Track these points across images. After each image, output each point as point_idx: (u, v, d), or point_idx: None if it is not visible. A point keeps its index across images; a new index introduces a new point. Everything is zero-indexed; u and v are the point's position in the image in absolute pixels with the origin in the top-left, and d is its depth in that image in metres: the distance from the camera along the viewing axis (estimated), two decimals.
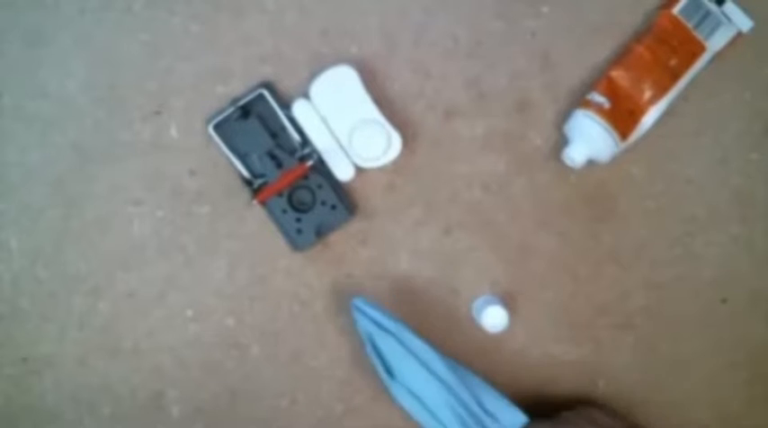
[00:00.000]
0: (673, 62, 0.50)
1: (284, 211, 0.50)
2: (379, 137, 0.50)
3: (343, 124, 0.50)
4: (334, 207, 0.50)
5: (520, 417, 0.49)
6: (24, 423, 0.51)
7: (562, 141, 0.52)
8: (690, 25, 0.50)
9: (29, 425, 0.50)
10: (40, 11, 0.51)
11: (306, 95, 0.50)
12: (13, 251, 0.51)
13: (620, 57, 0.51)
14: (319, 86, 0.50)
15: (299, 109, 0.50)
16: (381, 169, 0.51)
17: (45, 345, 0.51)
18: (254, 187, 0.50)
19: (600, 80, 0.51)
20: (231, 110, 0.50)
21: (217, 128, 0.50)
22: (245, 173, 0.50)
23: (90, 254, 0.51)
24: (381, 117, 0.50)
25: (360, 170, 0.51)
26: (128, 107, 0.51)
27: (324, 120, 0.50)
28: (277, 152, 0.50)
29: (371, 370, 0.51)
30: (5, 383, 0.51)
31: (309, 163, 0.50)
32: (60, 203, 0.51)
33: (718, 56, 0.51)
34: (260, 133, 0.50)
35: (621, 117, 0.50)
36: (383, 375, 0.48)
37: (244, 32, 0.51)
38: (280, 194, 0.50)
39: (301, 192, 0.51)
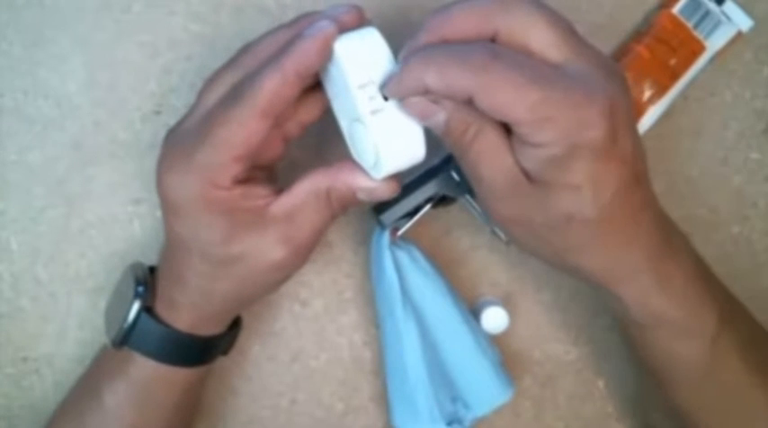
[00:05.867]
0: (672, 62, 0.50)
1: None
2: (365, 143, 0.39)
3: (340, 113, 0.41)
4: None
5: (496, 398, 0.49)
6: (24, 422, 0.51)
7: None
8: (689, 25, 0.50)
9: (29, 425, 0.50)
10: (39, 11, 0.51)
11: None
12: (13, 251, 0.51)
13: (620, 57, 0.51)
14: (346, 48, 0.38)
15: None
16: None
17: (45, 345, 0.51)
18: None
19: None
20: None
21: None
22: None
23: (90, 254, 0.51)
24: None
25: None
26: (128, 107, 0.51)
27: (328, 104, 0.42)
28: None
29: (371, 365, 0.51)
30: (5, 383, 0.51)
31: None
32: (60, 203, 0.51)
33: (718, 55, 0.51)
34: None
35: None
36: (395, 290, 0.47)
37: (244, 32, 0.51)
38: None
39: None
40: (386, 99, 0.37)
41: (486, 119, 0.36)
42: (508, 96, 0.34)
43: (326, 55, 0.37)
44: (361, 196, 0.41)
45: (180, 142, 0.40)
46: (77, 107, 0.51)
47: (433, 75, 0.35)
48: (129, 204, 0.52)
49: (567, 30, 0.36)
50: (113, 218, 0.51)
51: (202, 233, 0.40)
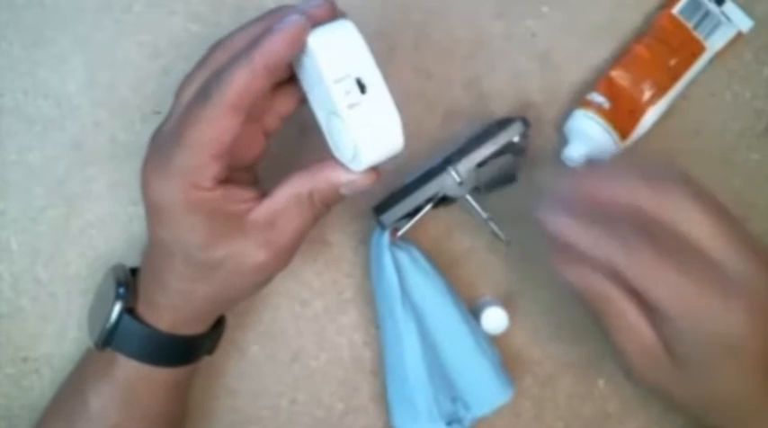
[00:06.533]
0: (672, 62, 0.50)
1: None
2: (343, 137, 0.38)
3: (318, 107, 0.41)
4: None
5: (496, 398, 0.49)
6: (24, 422, 0.51)
7: (562, 141, 0.52)
8: (689, 25, 0.50)
9: (28, 425, 0.50)
10: (39, 11, 0.51)
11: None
12: (13, 251, 0.51)
13: (620, 57, 0.51)
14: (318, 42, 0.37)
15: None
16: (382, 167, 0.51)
17: (45, 345, 0.51)
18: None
19: (600, 80, 0.51)
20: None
21: None
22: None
23: (90, 254, 0.51)
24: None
25: None
26: (128, 107, 0.51)
27: (305, 96, 0.42)
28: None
29: (371, 361, 0.51)
30: (5, 383, 0.51)
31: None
32: (60, 203, 0.51)
33: (718, 56, 0.51)
34: None
35: (621, 117, 0.50)
36: (395, 290, 0.47)
37: None
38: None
39: None
40: (362, 91, 0.37)
41: (623, 292, 0.36)
42: (654, 281, 0.34)
43: (297, 48, 0.37)
44: (345, 191, 0.41)
45: (160, 145, 0.40)
46: (77, 107, 0.51)
47: (585, 239, 0.35)
48: (129, 204, 0.52)
49: (722, 219, 0.35)
50: (113, 218, 0.51)
51: (185, 236, 0.40)
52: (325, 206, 0.42)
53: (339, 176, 0.40)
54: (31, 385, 0.51)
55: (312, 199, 0.41)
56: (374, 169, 0.40)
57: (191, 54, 0.51)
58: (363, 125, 0.37)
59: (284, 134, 0.51)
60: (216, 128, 0.37)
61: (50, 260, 0.51)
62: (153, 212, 0.40)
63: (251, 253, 0.40)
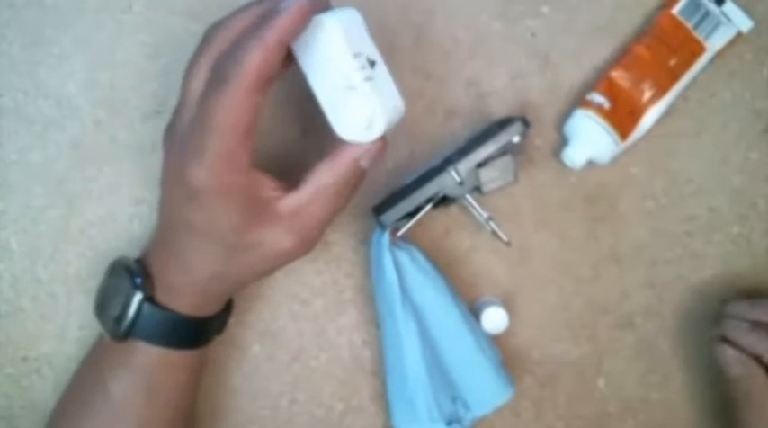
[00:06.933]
0: (672, 62, 0.50)
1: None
2: (359, 108, 0.41)
3: (324, 87, 0.41)
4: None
5: (496, 398, 0.49)
6: (24, 422, 0.51)
7: (562, 141, 0.52)
8: (689, 25, 0.50)
9: (29, 425, 0.50)
10: (39, 11, 0.51)
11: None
12: (13, 251, 0.51)
13: (620, 57, 0.51)
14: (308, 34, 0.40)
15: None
16: (382, 167, 0.51)
17: (45, 345, 0.51)
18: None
19: (600, 80, 0.51)
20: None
21: None
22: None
23: (90, 254, 0.51)
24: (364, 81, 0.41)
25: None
26: (128, 107, 0.51)
27: (305, 79, 0.42)
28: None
29: (370, 359, 0.51)
30: (5, 383, 0.51)
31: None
32: (60, 203, 0.51)
33: (718, 56, 0.51)
34: None
35: (621, 117, 0.50)
36: (395, 290, 0.47)
37: None
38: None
39: None
40: (372, 65, 0.41)
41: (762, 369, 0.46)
42: None
43: (303, 26, 0.39)
44: (364, 163, 0.43)
45: (185, 134, 0.40)
46: (77, 107, 0.51)
47: (748, 339, 0.47)
48: (130, 204, 0.52)
49: None
50: (113, 218, 0.51)
51: (220, 219, 0.41)
52: (351, 189, 0.43)
53: (355, 150, 0.42)
54: (32, 384, 0.51)
55: (337, 187, 0.42)
56: (382, 138, 0.43)
57: (190, 54, 0.51)
58: (378, 95, 0.41)
59: (286, 134, 0.51)
60: (240, 109, 0.38)
61: (50, 260, 0.51)
62: (188, 198, 0.41)
63: (279, 239, 0.42)
